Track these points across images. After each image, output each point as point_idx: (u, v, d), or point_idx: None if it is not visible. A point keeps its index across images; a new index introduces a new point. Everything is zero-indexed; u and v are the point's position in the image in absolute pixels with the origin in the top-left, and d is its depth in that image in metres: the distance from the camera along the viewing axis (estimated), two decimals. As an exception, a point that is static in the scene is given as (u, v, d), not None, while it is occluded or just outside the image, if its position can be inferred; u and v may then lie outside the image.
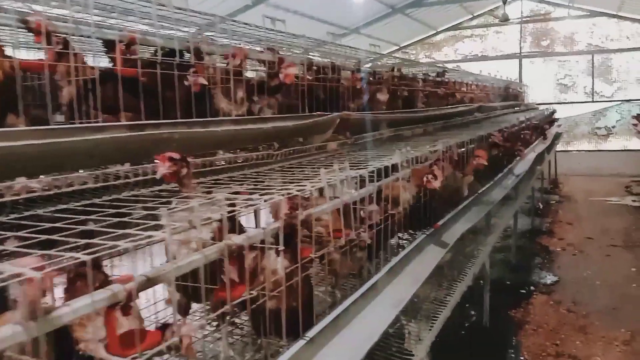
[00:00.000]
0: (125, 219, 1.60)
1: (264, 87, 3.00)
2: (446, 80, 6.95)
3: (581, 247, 8.97)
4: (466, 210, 4.27)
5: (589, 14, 17.36)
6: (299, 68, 3.47)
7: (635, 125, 14.25)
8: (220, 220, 1.62)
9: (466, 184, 4.05)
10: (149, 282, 1.29)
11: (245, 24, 3.17)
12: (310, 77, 3.63)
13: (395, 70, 4.62)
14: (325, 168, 2.53)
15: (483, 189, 4.94)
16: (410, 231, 3.35)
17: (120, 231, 1.31)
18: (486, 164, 4.08)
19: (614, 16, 17.05)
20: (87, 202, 1.89)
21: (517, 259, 8.20)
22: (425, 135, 4.94)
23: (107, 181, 2.30)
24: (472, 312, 6.31)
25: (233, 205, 1.74)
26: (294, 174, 2.52)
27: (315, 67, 3.70)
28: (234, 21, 3.52)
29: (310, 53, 4.17)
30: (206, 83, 2.45)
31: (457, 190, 3.91)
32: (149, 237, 1.27)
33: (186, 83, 2.47)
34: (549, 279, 7.55)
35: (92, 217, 1.59)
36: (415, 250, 3.09)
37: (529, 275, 7.71)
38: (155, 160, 2.15)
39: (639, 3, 15.52)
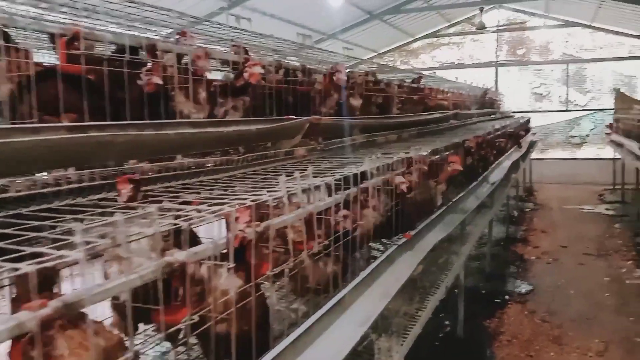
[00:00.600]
0: (44, 234, 1.40)
1: (230, 88, 2.82)
2: (422, 86, 6.85)
3: (555, 256, 8.96)
4: (440, 219, 4.15)
5: (563, 24, 17.58)
6: (267, 70, 3.31)
7: (608, 134, 14.43)
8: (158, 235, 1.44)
9: (440, 192, 3.92)
10: (67, 308, 1.10)
11: (207, 21, 3.00)
12: (278, 79, 3.47)
13: (370, 75, 4.49)
14: (288, 175, 2.38)
15: (457, 197, 4.83)
16: (383, 240, 3.20)
17: (29, 249, 1.12)
18: (461, 169, 3.96)
19: (588, 26, 17.30)
20: (14, 212, 1.69)
21: (491, 267, 8.14)
22: (399, 142, 4.82)
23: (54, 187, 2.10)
24: (447, 322, 6.20)
25: (178, 217, 1.57)
26: (255, 181, 2.34)
27: (284, 69, 3.54)
28: (207, 21, 3.36)
29: (280, 55, 4.01)
30: (161, 82, 2.27)
31: (431, 198, 3.78)
32: (61, 257, 1.08)
33: (139, 82, 2.28)
34: (524, 287, 7.50)
35: (7, 230, 1.39)
36: (386, 262, 2.95)
37: (503, 284, 7.65)
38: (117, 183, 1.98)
39: (612, 14, 15.77)
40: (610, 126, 14.57)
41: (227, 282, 1.57)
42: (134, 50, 2.36)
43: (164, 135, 2.28)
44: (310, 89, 3.90)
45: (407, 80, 6.80)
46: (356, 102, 4.01)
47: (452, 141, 4.66)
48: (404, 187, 2.90)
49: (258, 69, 2.68)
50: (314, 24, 14.24)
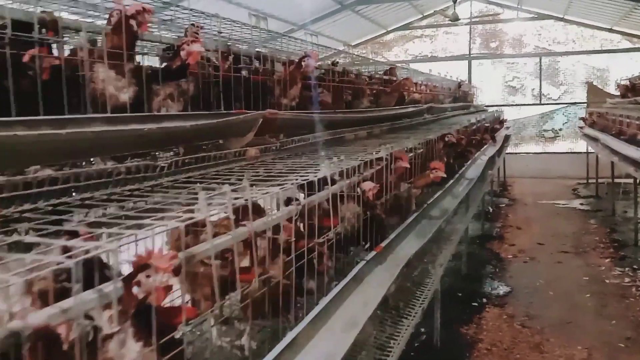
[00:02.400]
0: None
1: (164, 72, 2.33)
2: (394, 79, 6.43)
3: (532, 254, 8.68)
4: (415, 224, 3.72)
5: (536, 16, 17.41)
6: (213, 55, 2.81)
7: (581, 127, 14.30)
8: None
9: (414, 196, 3.50)
10: None
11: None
12: (226, 67, 2.98)
13: (337, 65, 4.03)
14: (231, 183, 1.90)
15: (432, 198, 4.42)
16: (350, 251, 2.75)
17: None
18: (444, 175, 3.55)
19: (560, 19, 17.15)
20: None
21: (468, 267, 7.78)
22: (370, 139, 4.38)
23: None
24: (422, 330, 5.80)
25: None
26: (178, 194, 1.84)
27: (234, 56, 3.05)
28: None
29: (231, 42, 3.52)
30: (59, 64, 1.77)
31: (405, 204, 3.35)
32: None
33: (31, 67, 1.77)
34: (502, 289, 7.17)
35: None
36: (353, 283, 2.49)
37: (480, 285, 7.31)
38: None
39: (584, 7, 15.63)
40: (583, 119, 14.46)
41: (117, 348, 1.10)
42: (27, 26, 1.85)
43: (68, 135, 1.77)
44: (268, 79, 3.42)
45: (379, 73, 6.37)
46: (322, 94, 3.55)
47: (428, 137, 4.24)
48: (371, 194, 2.46)
49: (197, 47, 2.20)
50: (283, 14, 13.70)
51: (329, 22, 15.84)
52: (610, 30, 16.69)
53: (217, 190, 1.64)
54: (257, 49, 3.38)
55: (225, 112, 2.60)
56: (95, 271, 1.10)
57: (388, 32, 19.02)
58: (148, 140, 2.25)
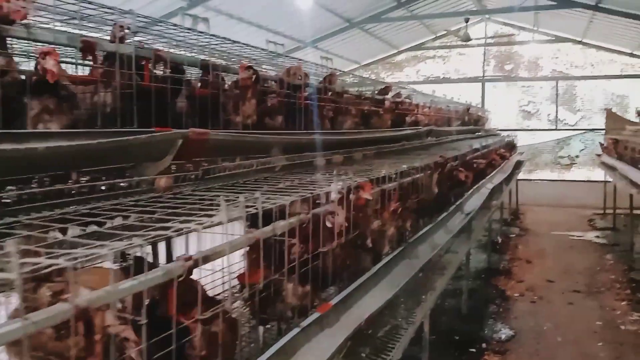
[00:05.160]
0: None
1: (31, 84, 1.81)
2: (390, 99, 5.87)
3: (541, 292, 7.96)
4: (387, 270, 3.12)
5: (554, 39, 16.81)
6: (127, 62, 2.29)
7: (599, 155, 13.56)
8: None
9: (387, 237, 2.91)
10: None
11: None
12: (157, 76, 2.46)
13: (301, 75, 3.48)
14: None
15: (417, 235, 3.82)
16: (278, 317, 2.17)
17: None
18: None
19: (578, 42, 16.53)
20: None
21: (468, 306, 7.10)
22: (345, 165, 3.81)
23: None
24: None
25: None
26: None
27: (164, 63, 2.52)
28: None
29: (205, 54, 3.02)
30: None
31: (371, 245, 2.77)
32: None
33: None
34: (504, 333, 6.47)
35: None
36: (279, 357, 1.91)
37: (481, 327, 6.62)
38: None
39: (603, 30, 15.01)
40: (601, 147, 13.74)
41: None
42: None
43: None
44: (215, 92, 2.89)
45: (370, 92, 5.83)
46: (279, 111, 3.01)
47: (412, 165, 3.66)
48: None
49: (51, 64, 1.68)
50: (287, 31, 13.28)
51: (338, 41, 15.41)
52: (631, 55, 16.01)
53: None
54: (202, 57, 2.85)
55: (129, 130, 2.07)
56: None
57: (400, 52, 18.56)
58: (8, 164, 1.71)
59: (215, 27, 3.35)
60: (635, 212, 10.64)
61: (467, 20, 13.75)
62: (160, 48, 2.55)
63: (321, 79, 4.09)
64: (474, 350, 6.00)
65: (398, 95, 6.53)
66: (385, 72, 19.17)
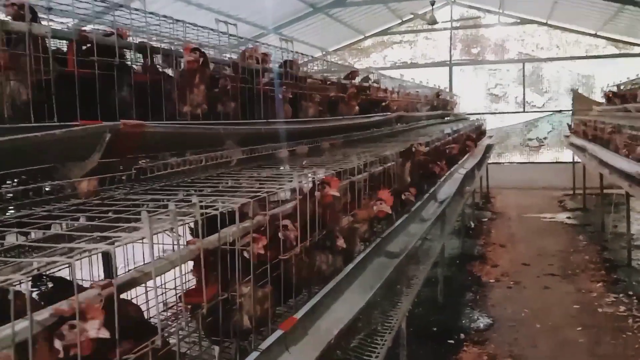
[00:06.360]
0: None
1: None
2: (355, 84, 5.57)
3: (517, 277, 7.84)
4: (361, 269, 2.83)
5: (519, 21, 16.75)
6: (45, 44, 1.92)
7: (567, 136, 13.58)
8: None
9: (358, 236, 2.62)
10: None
11: None
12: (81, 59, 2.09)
13: (257, 56, 3.14)
14: None
15: (391, 228, 3.54)
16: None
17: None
18: (389, 211, 2.70)
19: (544, 24, 16.50)
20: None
21: (444, 295, 6.90)
22: (309, 157, 3.50)
23: None
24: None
25: None
26: None
27: (89, 43, 2.16)
28: None
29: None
30: None
31: (341, 245, 2.47)
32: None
33: None
34: (482, 322, 6.30)
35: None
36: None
37: (458, 317, 6.43)
38: None
39: (568, 12, 14.98)
40: (569, 128, 13.77)
41: None
42: None
43: None
44: (155, 78, 2.54)
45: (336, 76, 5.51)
46: (233, 100, 2.67)
47: (381, 154, 3.37)
48: (258, 249, 1.58)
49: None
50: (249, 17, 12.83)
51: (302, 27, 15.02)
52: (595, 36, 16.07)
53: None
54: (140, 40, 2.49)
55: (41, 125, 1.71)
56: None
57: (366, 38, 18.28)
58: None
59: (172, 14, 2.98)
60: (605, 191, 10.63)
61: (432, 3, 13.53)
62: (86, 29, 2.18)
63: (281, 63, 3.77)
64: (452, 341, 5.81)
65: (366, 79, 6.25)
66: (352, 58, 18.86)
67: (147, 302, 1.88)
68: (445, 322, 6.27)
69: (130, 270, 1.53)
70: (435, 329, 6.13)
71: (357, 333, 2.67)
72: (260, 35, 13.87)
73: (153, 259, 1.23)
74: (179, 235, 1.40)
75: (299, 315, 1.99)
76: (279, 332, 1.86)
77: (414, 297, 3.62)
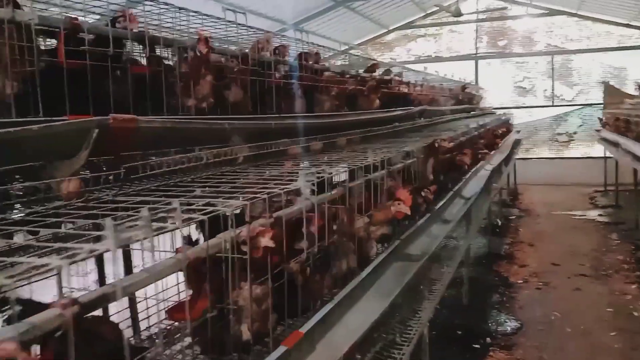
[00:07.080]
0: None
1: None
2: (376, 77, 5.35)
3: (546, 278, 7.52)
4: (377, 274, 2.63)
5: (547, 12, 16.23)
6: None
7: (598, 130, 13.10)
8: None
9: (373, 240, 2.42)
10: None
11: None
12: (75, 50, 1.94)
13: (269, 49, 2.96)
14: None
15: (410, 231, 3.33)
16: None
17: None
18: (407, 212, 2.49)
19: (573, 15, 15.95)
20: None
21: (470, 297, 6.64)
22: (323, 153, 3.30)
23: None
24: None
25: None
26: None
27: (89, 35, 2.01)
28: None
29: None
30: None
31: (354, 250, 2.27)
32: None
33: None
34: (509, 325, 6.03)
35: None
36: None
37: (484, 320, 6.17)
38: None
39: (600, 1, 14.44)
40: (600, 122, 13.27)
41: None
42: None
43: None
44: (157, 70, 2.37)
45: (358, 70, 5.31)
46: (236, 92, 2.49)
47: (402, 149, 3.16)
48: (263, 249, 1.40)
49: None
50: (269, 12, 12.66)
51: (325, 21, 14.80)
52: (628, 26, 15.46)
53: None
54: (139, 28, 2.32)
55: (18, 120, 1.56)
56: None
57: (389, 32, 17.95)
58: None
59: (192, 6, 2.82)
60: (639, 188, 10.18)
61: (457, -5, 13.17)
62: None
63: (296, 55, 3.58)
64: (478, 346, 5.56)
65: (387, 72, 6.02)
66: (375, 52, 18.54)
67: (130, 319, 1.71)
68: (470, 325, 6.01)
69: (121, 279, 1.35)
70: (459, 332, 5.88)
71: (373, 345, 2.47)
72: (281, 30, 13.72)
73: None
74: (154, 247, 1.22)
75: (305, 328, 1.80)
76: (282, 349, 1.67)
77: (436, 303, 3.40)
